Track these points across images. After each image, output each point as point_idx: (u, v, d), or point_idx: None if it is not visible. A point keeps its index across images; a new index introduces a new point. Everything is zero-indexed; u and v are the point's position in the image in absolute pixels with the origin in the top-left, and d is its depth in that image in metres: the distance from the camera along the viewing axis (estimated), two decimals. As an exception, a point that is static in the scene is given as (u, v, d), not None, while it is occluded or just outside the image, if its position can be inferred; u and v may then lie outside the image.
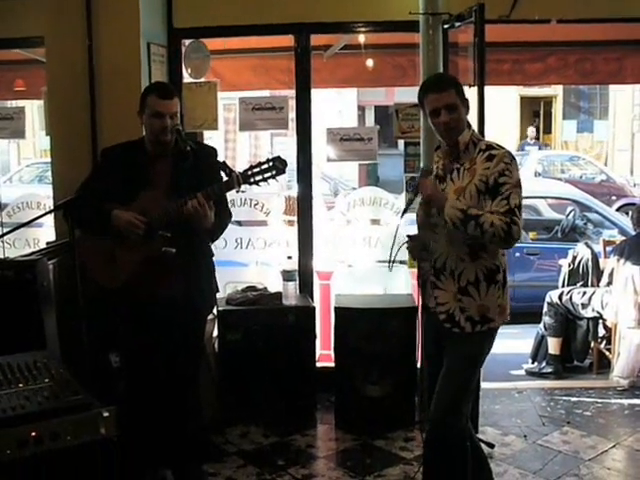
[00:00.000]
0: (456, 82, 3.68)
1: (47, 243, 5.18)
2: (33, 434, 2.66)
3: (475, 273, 3.57)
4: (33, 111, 9.03)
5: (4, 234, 4.27)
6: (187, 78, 5.67)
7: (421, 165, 5.18)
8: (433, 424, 3.69)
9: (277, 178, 3.88)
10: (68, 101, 5.14)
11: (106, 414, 2.79)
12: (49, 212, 4.33)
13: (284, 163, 3.87)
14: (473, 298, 3.58)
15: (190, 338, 4.18)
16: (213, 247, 4.26)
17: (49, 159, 5.55)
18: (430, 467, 3.81)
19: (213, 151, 4.20)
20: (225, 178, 3.89)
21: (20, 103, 6.95)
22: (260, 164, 3.86)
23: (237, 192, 3.92)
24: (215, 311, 5.12)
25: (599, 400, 5.66)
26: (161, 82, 4.70)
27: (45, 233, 6.02)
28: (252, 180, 3.85)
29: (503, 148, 3.59)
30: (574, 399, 5.68)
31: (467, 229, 3.42)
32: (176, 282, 3.99)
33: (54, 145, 5.28)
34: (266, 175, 3.86)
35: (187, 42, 5.65)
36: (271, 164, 3.85)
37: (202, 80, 5.67)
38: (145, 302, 3.98)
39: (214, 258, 4.28)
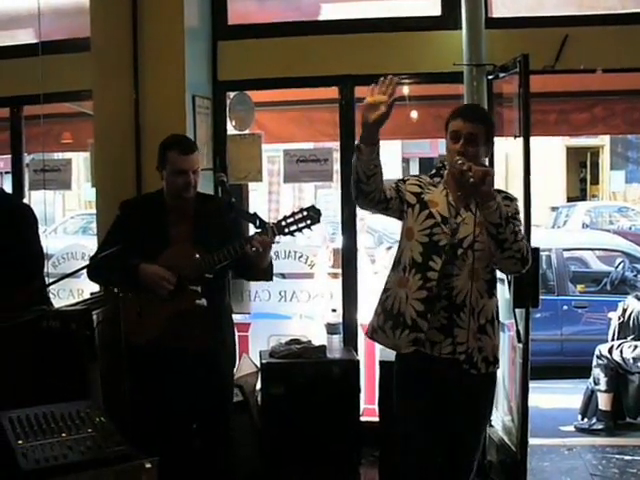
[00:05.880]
0: (490, 121, 3.61)
1: (91, 294, 5.20)
2: (75, 485, 2.64)
3: (492, 311, 3.54)
4: (79, 163, 9.16)
5: (49, 284, 4.29)
6: (231, 130, 5.71)
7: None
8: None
9: (312, 227, 3.85)
10: (114, 153, 5.20)
11: (148, 465, 2.78)
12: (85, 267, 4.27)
13: (318, 212, 3.83)
14: (490, 337, 3.53)
15: (218, 394, 4.13)
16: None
17: (93, 210, 5.60)
18: None
19: (228, 205, 4.03)
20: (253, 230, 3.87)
21: (67, 155, 7.05)
22: (294, 214, 3.83)
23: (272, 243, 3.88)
24: (259, 364, 5.07)
25: (655, 459, 5.46)
26: (180, 135, 4.40)
27: (89, 284, 6.04)
28: (287, 230, 3.82)
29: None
30: (627, 457, 5.45)
31: (507, 228, 3.30)
32: (204, 337, 3.97)
33: (99, 197, 5.32)
34: (300, 225, 3.83)
35: (232, 94, 5.70)
36: (305, 214, 3.82)
37: (246, 132, 5.71)
38: (172, 357, 3.92)
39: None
